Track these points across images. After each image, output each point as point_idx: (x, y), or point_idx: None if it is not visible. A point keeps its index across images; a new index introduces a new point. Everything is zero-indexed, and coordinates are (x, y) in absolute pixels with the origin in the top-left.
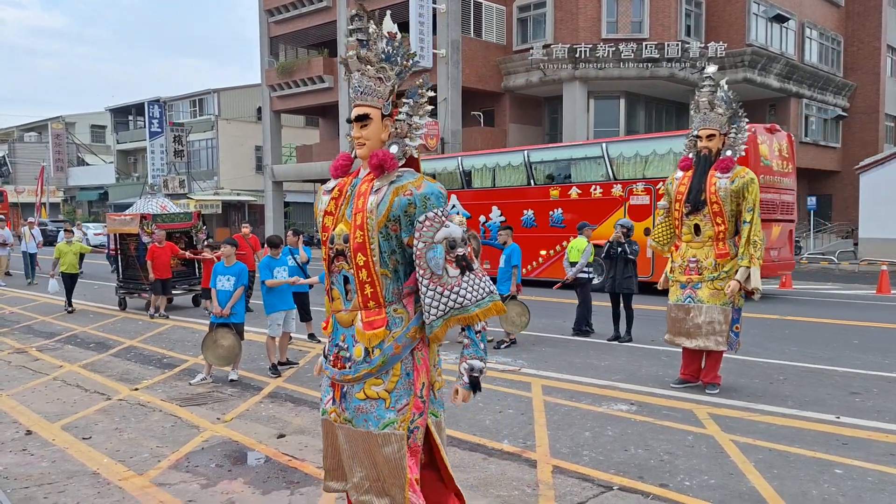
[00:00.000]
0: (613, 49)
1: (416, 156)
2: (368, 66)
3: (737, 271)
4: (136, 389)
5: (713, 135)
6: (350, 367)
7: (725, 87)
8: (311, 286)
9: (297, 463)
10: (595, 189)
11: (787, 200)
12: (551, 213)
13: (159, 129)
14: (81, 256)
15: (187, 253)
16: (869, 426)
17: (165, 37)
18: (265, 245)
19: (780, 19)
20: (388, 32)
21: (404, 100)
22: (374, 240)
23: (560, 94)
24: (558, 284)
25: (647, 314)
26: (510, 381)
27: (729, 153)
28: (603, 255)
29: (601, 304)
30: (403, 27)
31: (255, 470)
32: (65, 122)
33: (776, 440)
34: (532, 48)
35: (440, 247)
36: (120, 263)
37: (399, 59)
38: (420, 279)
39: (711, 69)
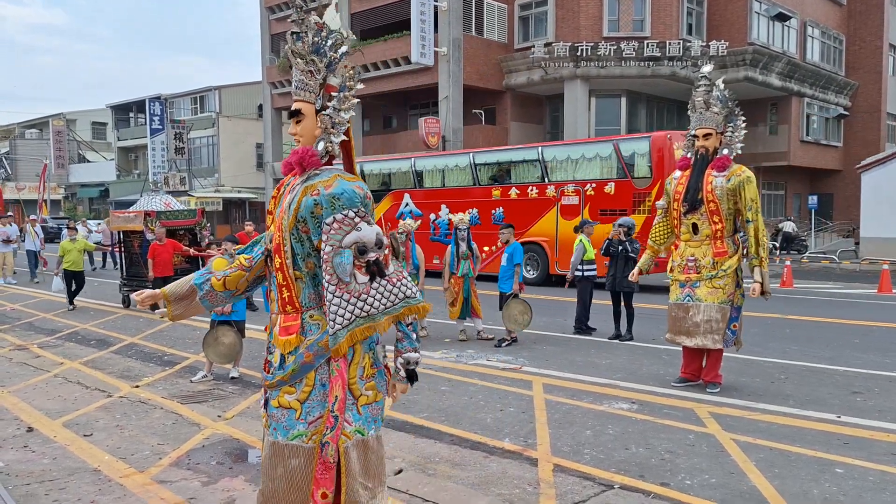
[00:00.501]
0: (615, 47)
1: (336, 153)
2: (299, 60)
3: (736, 270)
4: (137, 387)
5: (710, 134)
6: (270, 373)
7: (721, 85)
8: None
9: None
10: (531, 189)
11: None
12: (493, 211)
13: (160, 127)
14: (91, 255)
15: (191, 250)
16: (870, 426)
17: (166, 34)
18: None
19: (781, 18)
20: (315, 23)
21: (333, 94)
22: (287, 241)
23: (561, 92)
24: (567, 284)
25: (648, 313)
26: (511, 380)
27: (725, 152)
28: (602, 252)
29: (603, 302)
30: (405, 25)
31: (256, 468)
32: (66, 119)
33: (777, 439)
34: (533, 46)
35: (348, 252)
36: (123, 261)
37: (327, 50)
38: (326, 285)
39: (707, 68)
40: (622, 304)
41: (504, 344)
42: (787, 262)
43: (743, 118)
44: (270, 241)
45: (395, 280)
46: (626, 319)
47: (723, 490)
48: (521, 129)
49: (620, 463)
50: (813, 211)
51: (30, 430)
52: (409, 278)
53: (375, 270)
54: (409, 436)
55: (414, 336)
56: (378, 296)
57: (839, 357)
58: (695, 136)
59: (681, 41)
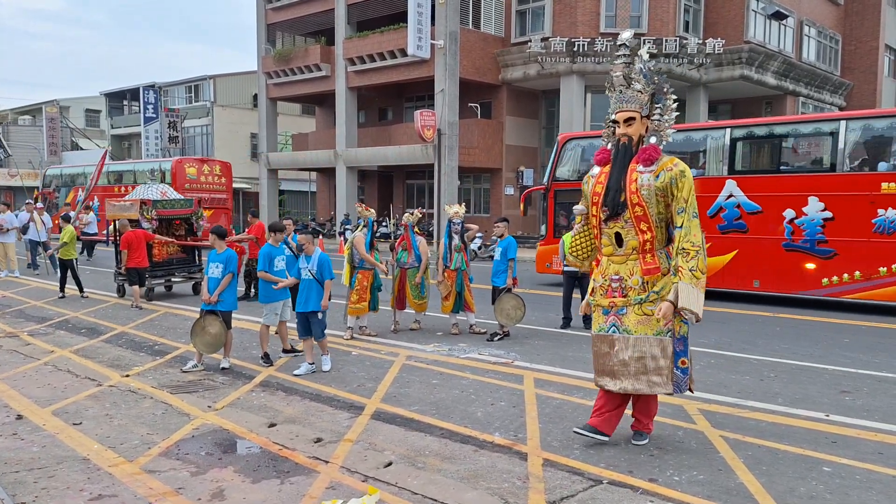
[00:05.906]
0: (611, 43)
1: None
2: None
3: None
4: (128, 376)
5: (632, 118)
6: None
7: (646, 57)
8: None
9: (287, 452)
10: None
11: (219, 197)
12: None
13: (154, 115)
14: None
15: (157, 235)
16: (858, 424)
17: (162, 21)
18: (269, 230)
19: (778, 16)
20: None
21: None
22: None
23: (557, 87)
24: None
25: None
26: (502, 374)
27: (653, 140)
28: None
29: None
30: (402, 17)
31: (246, 458)
32: (59, 106)
33: (765, 437)
34: (530, 41)
35: None
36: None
37: None
38: None
39: (626, 34)
40: None
41: (496, 338)
42: None
43: (674, 97)
44: None
45: None
46: None
47: (710, 486)
48: (517, 124)
49: (609, 458)
50: None
51: (19, 417)
52: None
53: None
54: (400, 429)
55: None
56: None
57: (828, 356)
58: (615, 121)
59: (677, 38)
